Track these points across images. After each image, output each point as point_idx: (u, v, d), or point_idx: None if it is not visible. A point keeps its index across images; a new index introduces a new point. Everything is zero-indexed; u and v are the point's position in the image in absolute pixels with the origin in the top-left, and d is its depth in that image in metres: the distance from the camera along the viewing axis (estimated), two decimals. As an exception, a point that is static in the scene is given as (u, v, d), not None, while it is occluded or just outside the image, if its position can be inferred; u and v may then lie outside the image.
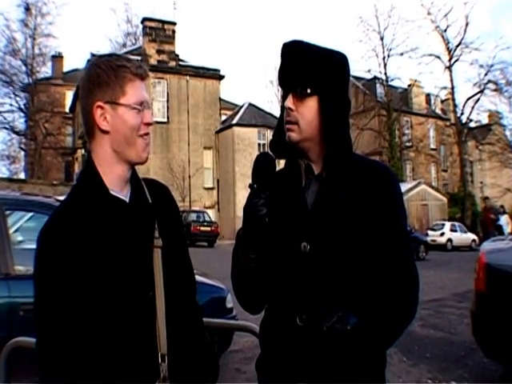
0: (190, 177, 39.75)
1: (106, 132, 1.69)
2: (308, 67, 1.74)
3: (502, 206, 23.21)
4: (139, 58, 39.35)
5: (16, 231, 5.26)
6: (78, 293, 1.59)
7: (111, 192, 1.70)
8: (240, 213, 32.01)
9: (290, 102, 1.77)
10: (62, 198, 7.27)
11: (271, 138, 1.92)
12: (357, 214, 1.73)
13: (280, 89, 1.87)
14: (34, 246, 4.97)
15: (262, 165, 1.80)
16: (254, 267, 1.81)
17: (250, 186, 1.78)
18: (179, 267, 1.86)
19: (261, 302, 1.93)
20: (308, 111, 1.76)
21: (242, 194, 38.29)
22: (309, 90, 1.75)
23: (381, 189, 1.76)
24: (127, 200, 1.74)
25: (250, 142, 40.03)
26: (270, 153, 1.87)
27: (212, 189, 41.95)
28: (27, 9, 46.57)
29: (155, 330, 1.69)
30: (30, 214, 5.47)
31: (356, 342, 1.62)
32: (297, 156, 1.85)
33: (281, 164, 1.87)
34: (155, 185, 1.91)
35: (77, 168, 49.34)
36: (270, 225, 1.76)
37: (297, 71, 1.76)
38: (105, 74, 1.67)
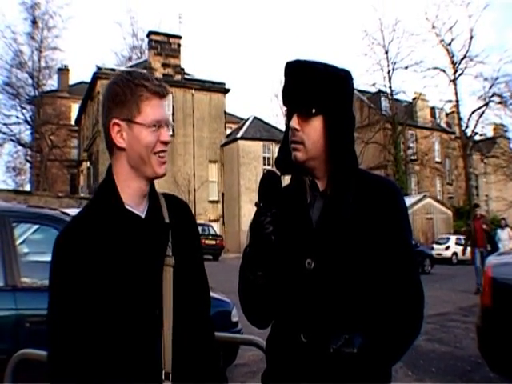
0: (194, 190, 39.79)
1: (122, 149, 1.72)
2: (312, 88, 1.75)
3: (503, 219, 20.16)
4: (145, 71, 39.54)
5: (22, 243, 5.29)
6: (88, 305, 1.62)
7: (126, 206, 1.73)
8: (245, 226, 31.76)
9: (295, 123, 1.77)
10: (67, 210, 7.32)
11: (276, 155, 1.93)
12: (361, 230, 1.73)
13: (283, 106, 1.86)
14: (39, 258, 4.99)
15: (268, 183, 1.81)
16: (260, 284, 1.83)
17: (257, 205, 1.79)
18: (194, 286, 1.86)
19: (268, 318, 1.93)
20: (313, 131, 1.76)
21: (246, 208, 38.26)
22: (314, 110, 1.76)
23: (386, 205, 1.77)
24: (143, 216, 1.76)
25: (255, 155, 40.08)
26: (276, 170, 1.88)
27: (217, 202, 41.96)
28: (34, 22, 46.97)
29: (160, 348, 1.69)
30: (36, 227, 5.50)
31: (362, 361, 1.63)
32: (302, 173, 1.86)
33: (286, 180, 1.88)
34: (175, 202, 1.94)
35: (82, 180, 49.49)
36: (276, 242, 1.77)
37: (301, 92, 1.77)
38: (122, 93, 1.70)
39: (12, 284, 4.60)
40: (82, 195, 40.48)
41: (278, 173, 1.87)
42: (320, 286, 1.73)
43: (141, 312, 1.68)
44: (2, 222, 4.82)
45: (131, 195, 1.74)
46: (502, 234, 18.20)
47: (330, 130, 1.76)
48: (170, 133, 1.83)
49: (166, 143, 1.76)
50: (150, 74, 1.89)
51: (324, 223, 1.78)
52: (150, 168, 1.74)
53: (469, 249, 17.41)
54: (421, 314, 1.76)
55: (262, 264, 1.80)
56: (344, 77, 1.83)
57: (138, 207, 1.76)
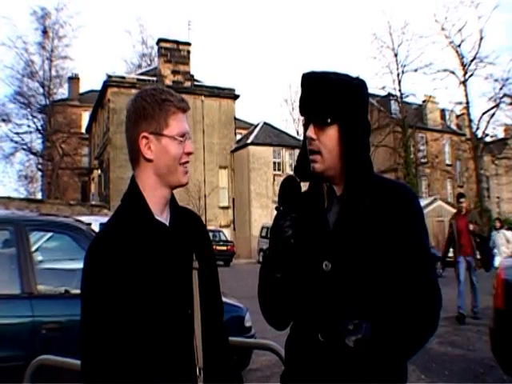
0: (205, 196, 39.91)
1: (150, 160, 1.82)
2: (326, 98, 1.81)
3: (498, 219, 16.44)
4: (155, 78, 39.77)
5: (37, 251, 5.36)
6: (123, 310, 1.70)
7: (155, 217, 1.83)
8: (255, 232, 31.58)
9: (311, 132, 1.84)
10: (80, 217, 7.38)
11: (295, 163, 2.00)
12: (377, 233, 1.78)
13: (300, 116, 1.95)
14: (54, 266, 5.05)
15: (288, 188, 1.88)
16: (279, 286, 1.89)
17: (277, 209, 1.87)
18: (211, 290, 1.96)
19: (286, 319, 1.99)
20: (329, 140, 1.83)
21: (257, 213, 38.31)
22: (329, 120, 1.82)
23: (400, 208, 1.82)
24: (167, 223, 1.86)
25: (266, 160, 40.15)
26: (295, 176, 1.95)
27: (227, 208, 42.05)
28: (44, 32, 47.20)
29: (193, 345, 1.80)
30: (50, 234, 5.58)
31: (375, 350, 1.66)
32: (320, 180, 1.93)
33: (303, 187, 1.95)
34: (189, 213, 2.04)
35: (93, 188, 49.72)
36: (295, 245, 1.83)
37: (316, 102, 1.83)
38: (150, 107, 1.81)
39: (28, 291, 4.67)
40: (93, 203, 40.70)
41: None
42: (337, 286, 1.79)
43: (176, 312, 1.78)
44: (19, 230, 4.89)
45: (156, 203, 1.84)
46: (498, 237, 14.71)
47: (344, 138, 1.82)
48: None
49: (189, 154, 1.87)
50: (161, 82, 1.98)
51: (340, 226, 1.83)
52: (176, 177, 1.85)
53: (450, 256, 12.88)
54: (437, 311, 1.80)
55: (282, 266, 1.87)
56: (358, 85, 1.88)
57: (161, 215, 1.86)
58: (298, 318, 1.93)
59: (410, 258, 1.78)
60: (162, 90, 1.87)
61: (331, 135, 1.82)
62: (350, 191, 1.84)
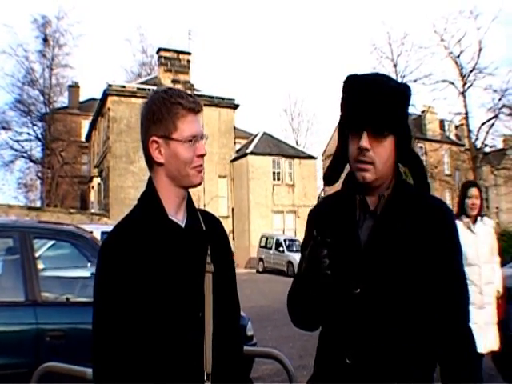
0: (204, 205, 39.74)
1: (161, 164, 1.83)
2: (384, 108, 1.72)
3: (470, 184, 5.79)
4: (155, 87, 39.83)
5: (40, 258, 5.37)
6: (131, 310, 1.71)
7: (170, 216, 1.83)
8: (255, 241, 31.38)
9: (366, 143, 1.73)
10: (82, 225, 7.39)
11: (326, 170, 1.95)
12: (412, 253, 1.72)
13: (349, 126, 1.82)
14: (57, 273, 5.07)
15: (323, 213, 1.88)
16: (312, 308, 1.87)
17: (314, 237, 1.76)
18: (227, 294, 1.94)
19: (317, 325, 1.97)
20: (384, 151, 1.76)
21: (256, 223, 38.26)
22: (386, 132, 1.74)
23: (438, 229, 1.76)
24: (183, 225, 1.86)
25: (265, 170, 40.09)
26: (323, 185, 1.95)
27: (227, 217, 41.90)
28: (45, 40, 47.24)
29: (203, 349, 1.78)
30: (52, 242, 5.60)
31: None
32: (352, 191, 1.86)
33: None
34: (208, 216, 2.03)
35: (92, 196, 49.62)
36: (331, 275, 1.75)
37: (373, 112, 1.72)
38: (159, 111, 1.81)
39: (33, 299, 4.69)
40: (92, 211, 40.66)
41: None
42: (367, 309, 1.74)
43: (187, 315, 1.77)
44: (23, 238, 4.92)
45: (171, 203, 1.85)
46: (475, 237, 5.37)
47: (400, 149, 1.79)
48: (206, 144, 1.90)
49: (202, 156, 1.85)
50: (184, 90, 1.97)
51: (373, 245, 1.77)
52: (188, 180, 1.85)
53: None
54: (474, 348, 1.79)
55: (315, 293, 1.80)
56: (406, 92, 1.81)
57: (177, 216, 1.86)
58: (325, 339, 1.88)
59: (445, 283, 1.74)
60: (173, 92, 1.86)
61: (387, 146, 1.76)
62: (387, 206, 1.79)
